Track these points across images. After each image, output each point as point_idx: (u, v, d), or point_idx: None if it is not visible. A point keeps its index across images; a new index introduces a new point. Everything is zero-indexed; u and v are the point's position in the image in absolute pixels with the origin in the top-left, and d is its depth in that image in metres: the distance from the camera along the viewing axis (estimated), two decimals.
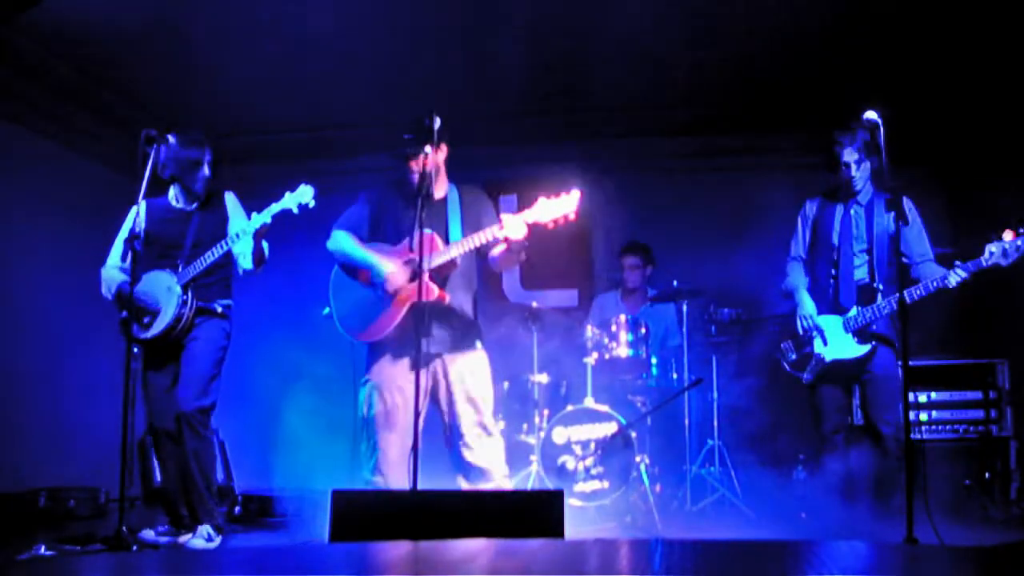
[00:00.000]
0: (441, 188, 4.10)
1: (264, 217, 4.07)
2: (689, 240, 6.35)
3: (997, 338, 5.73)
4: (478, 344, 4.07)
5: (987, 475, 5.29)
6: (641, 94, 6.18)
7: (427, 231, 3.84)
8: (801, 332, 4.39)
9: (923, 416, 5.42)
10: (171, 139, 4.21)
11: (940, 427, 5.45)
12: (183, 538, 4.21)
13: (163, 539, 4.25)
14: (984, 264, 3.92)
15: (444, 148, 4.02)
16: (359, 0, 5.00)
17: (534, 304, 5.76)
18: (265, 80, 5.80)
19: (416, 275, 3.78)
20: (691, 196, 6.62)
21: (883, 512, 4.13)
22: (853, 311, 4.26)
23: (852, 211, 4.37)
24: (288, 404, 6.14)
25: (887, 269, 4.25)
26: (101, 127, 6.33)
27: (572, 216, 3.69)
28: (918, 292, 4.03)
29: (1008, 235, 3.90)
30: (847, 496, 4.30)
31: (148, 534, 4.26)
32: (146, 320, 4.21)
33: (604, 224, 6.75)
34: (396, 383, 3.91)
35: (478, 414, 3.96)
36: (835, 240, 4.37)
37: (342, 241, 4.06)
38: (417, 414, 3.45)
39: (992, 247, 3.90)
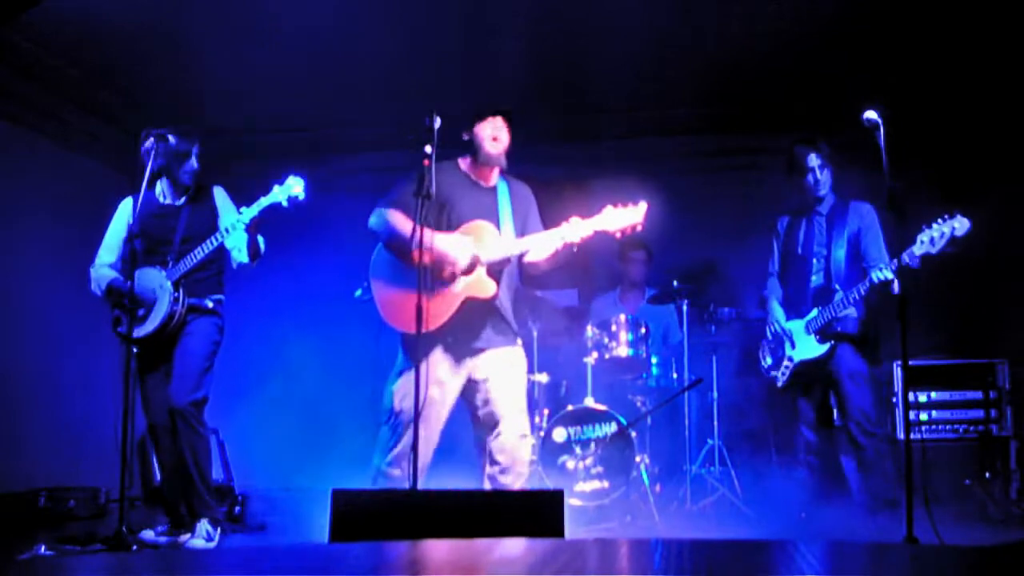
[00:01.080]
0: (494, 176, 4.00)
1: (252, 211, 4.04)
2: (689, 239, 6.34)
3: (997, 338, 5.73)
4: (518, 340, 4.00)
5: (987, 475, 5.29)
6: (641, 94, 6.18)
7: (482, 221, 3.80)
8: (770, 336, 4.68)
9: (923, 416, 5.42)
10: (171, 139, 4.21)
11: (940, 427, 5.45)
12: (183, 537, 4.20)
13: (163, 539, 4.23)
14: (916, 253, 3.96)
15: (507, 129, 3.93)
16: (359, 0, 5.00)
17: (538, 293, 5.74)
18: (264, 79, 5.79)
19: (471, 269, 3.72)
20: (691, 196, 6.61)
21: (876, 509, 4.15)
22: (813, 312, 4.46)
23: (815, 221, 4.58)
24: (289, 403, 6.14)
25: (845, 272, 4.41)
26: (100, 126, 6.33)
27: (640, 227, 3.75)
28: (864, 288, 4.19)
29: (936, 223, 3.95)
30: (842, 495, 4.33)
31: (148, 534, 4.24)
32: (140, 313, 4.16)
33: None
34: (435, 376, 3.77)
35: (513, 410, 3.87)
36: (800, 250, 4.61)
37: (392, 217, 3.83)
38: (418, 413, 3.43)
39: (922, 236, 3.96)
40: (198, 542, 4.11)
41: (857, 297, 4.26)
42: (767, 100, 6.14)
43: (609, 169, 6.84)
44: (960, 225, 3.91)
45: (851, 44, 5.34)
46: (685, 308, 5.69)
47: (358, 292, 4.01)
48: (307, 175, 4.12)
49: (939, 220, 3.93)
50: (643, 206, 3.74)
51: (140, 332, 4.16)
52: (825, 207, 4.57)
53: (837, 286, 4.38)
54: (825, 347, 4.41)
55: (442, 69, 5.71)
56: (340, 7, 5.01)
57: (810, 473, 4.59)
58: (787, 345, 4.56)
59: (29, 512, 5.20)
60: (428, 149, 3.65)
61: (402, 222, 3.79)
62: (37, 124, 5.96)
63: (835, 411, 4.71)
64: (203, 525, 4.16)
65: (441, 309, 3.74)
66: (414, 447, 3.41)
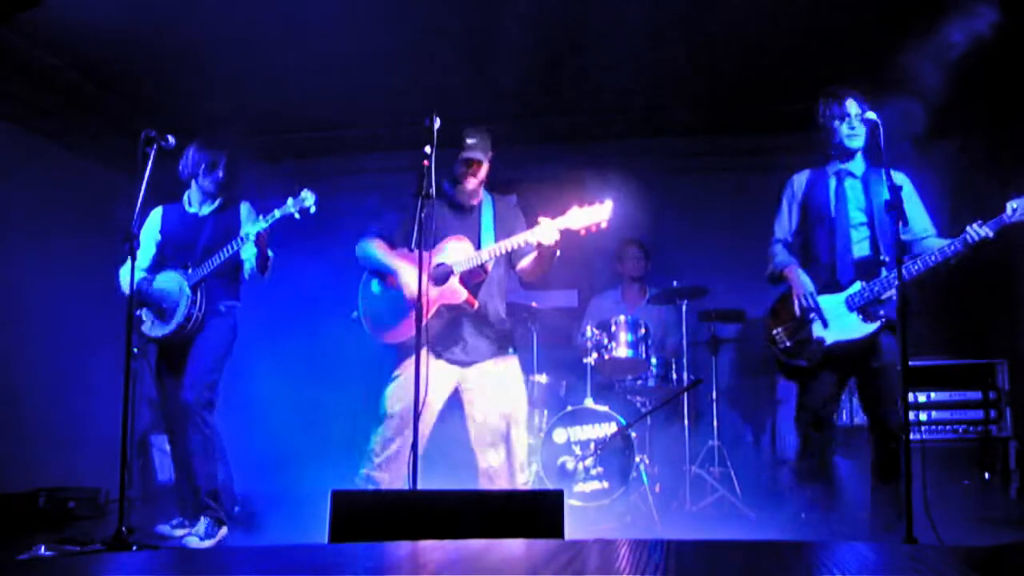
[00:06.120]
0: (476, 196, 4.17)
1: (267, 222, 4.18)
2: (690, 240, 6.35)
3: (997, 338, 5.73)
4: (510, 350, 4.11)
5: (987, 475, 5.29)
6: (642, 95, 6.17)
7: (456, 237, 3.96)
8: (798, 313, 3.89)
9: (923, 416, 5.42)
10: (170, 139, 4.23)
11: (940, 427, 5.45)
12: (181, 532, 4.32)
13: (179, 532, 4.35)
14: (1007, 220, 3.58)
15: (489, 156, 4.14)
16: (362, 1, 5.01)
17: (533, 304, 5.77)
18: (266, 79, 5.79)
19: (444, 280, 3.88)
20: (692, 196, 6.62)
21: (886, 514, 4.10)
22: (856, 286, 3.82)
23: (847, 182, 3.96)
24: (290, 405, 6.14)
25: (892, 242, 3.67)
26: (102, 127, 6.32)
27: (604, 224, 3.77)
28: (933, 258, 3.64)
29: None
30: (847, 495, 4.30)
31: (164, 528, 4.38)
32: (162, 313, 4.35)
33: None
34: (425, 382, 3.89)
35: (500, 424, 3.98)
36: (833, 213, 3.92)
37: (368, 248, 4.12)
38: (418, 415, 3.44)
39: (1013, 203, 3.57)
40: (193, 540, 4.18)
41: (920, 267, 3.63)
42: (768, 100, 6.13)
43: (608, 169, 6.85)
44: None
45: (853, 43, 5.34)
46: (685, 308, 5.70)
47: (355, 314, 4.17)
48: (311, 175, 4.17)
49: None
50: (608, 204, 3.76)
51: (159, 332, 4.37)
52: (858, 168, 3.96)
53: (886, 258, 3.79)
54: (874, 326, 3.77)
55: (443, 69, 5.71)
56: (344, 8, 5.02)
57: (805, 467, 4.42)
58: (817, 324, 3.87)
59: (29, 512, 5.21)
60: (428, 150, 3.67)
61: (382, 253, 4.07)
62: (39, 125, 5.96)
63: (858, 409, 4.59)
64: (201, 523, 4.25)
65: (412, 321, 3.89)
66: (414, 447, 3.42)
